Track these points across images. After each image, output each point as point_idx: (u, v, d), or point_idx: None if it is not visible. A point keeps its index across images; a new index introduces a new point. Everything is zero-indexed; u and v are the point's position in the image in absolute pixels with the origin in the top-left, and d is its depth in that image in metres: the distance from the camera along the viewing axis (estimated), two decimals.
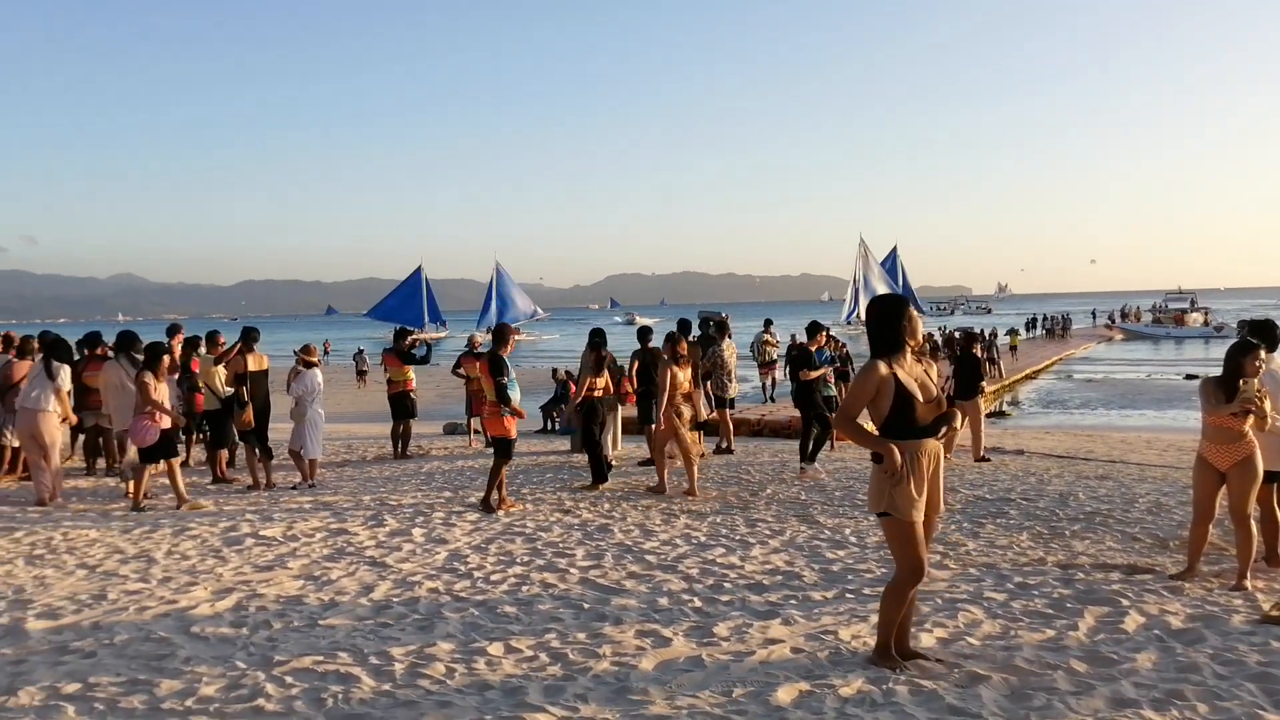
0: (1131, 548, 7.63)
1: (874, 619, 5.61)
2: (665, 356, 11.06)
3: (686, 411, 10.83)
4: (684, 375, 10.89)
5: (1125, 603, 5.95)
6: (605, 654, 5.14)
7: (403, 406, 14.58)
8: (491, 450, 9.80)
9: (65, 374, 10.67)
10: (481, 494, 9.96)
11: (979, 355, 14.38)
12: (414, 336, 15.87)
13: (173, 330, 13.62)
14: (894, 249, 65.79)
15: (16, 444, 11.55)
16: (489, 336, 10.75)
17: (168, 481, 10.14)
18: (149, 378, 9.92)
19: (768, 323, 24.57)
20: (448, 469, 13.06)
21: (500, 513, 9.42)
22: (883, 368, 4.66)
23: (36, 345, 11.97)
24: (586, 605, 6.15)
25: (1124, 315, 78.08)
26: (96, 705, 4.48)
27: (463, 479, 12.09)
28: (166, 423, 9.96)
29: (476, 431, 16.19)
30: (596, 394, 11.42)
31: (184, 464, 13.13)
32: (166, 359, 10.33)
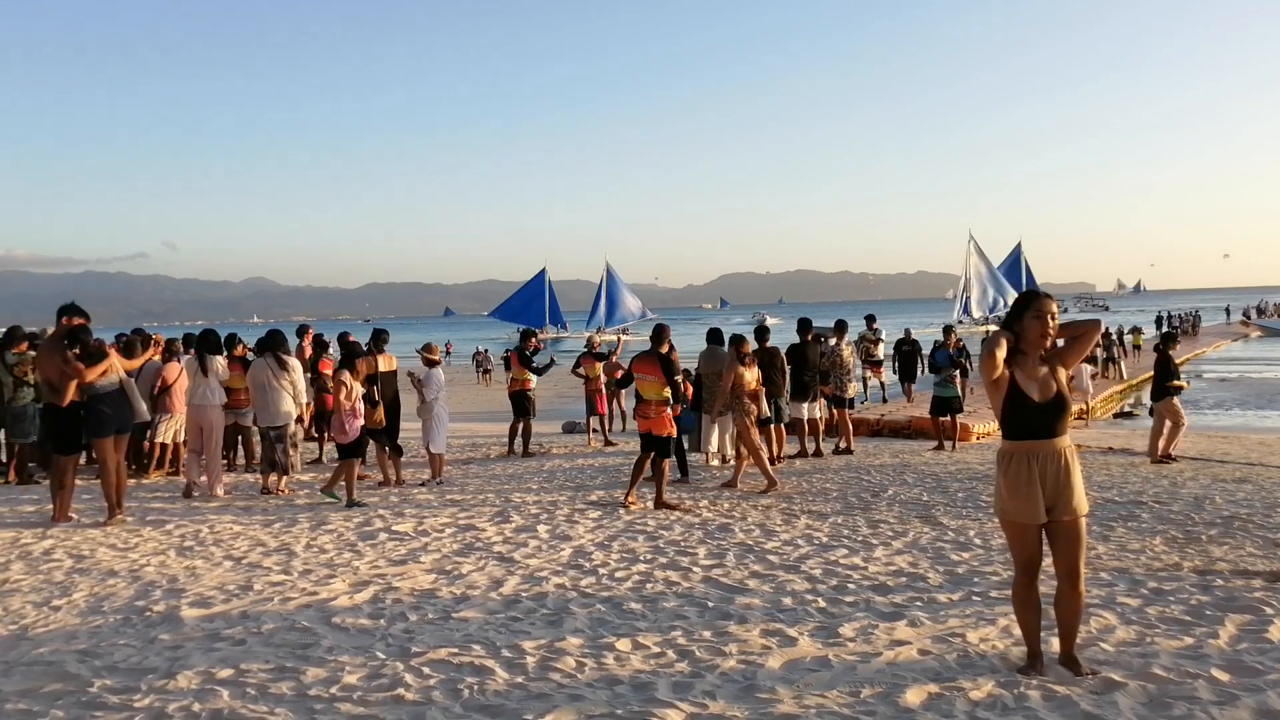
0: (1274, 554, 7.35)
1: (1002, 622, 5.56)
2: (732, 358, 11.48)
3: (753, 409, 11.31)
4: (750, 375, 11.42)
5: (1269, 611, 5.75)
6: (731, 652, 5.19)
7: (521, 405, 14.85)
8: (607, 448, 10.01)
9: (219, 364, 11.24)
10: (622, 494, 10.14)
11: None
12: (536, 339, 16.11)
13: (302, 331, 14.18)
14: (1017, 245, 64.04)
15: (165, 441, 12.18)
16: (606, 336, 10.97)
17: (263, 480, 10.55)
18: (347, 377, 10.42)
19: (870, 319, 24.12)
20: (568, 467, 13.28)
21: (673, 516, 9.53)
22: (998, 364, 4.61)
23: (180, 346, 12.62)
24: (710, 604, 6.21)
25: (1260, 311, 74.46)
26: (248, 690, 4.72)
27: (583, 477, 12.27)
28: (358, 424, 10.54)
29: (595, 430, 16.41)
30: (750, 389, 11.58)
31: (317, 460, 13.69)
32: (361, 362, 10.86)
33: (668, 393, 10.05)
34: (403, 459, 12.09)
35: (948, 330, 15.87)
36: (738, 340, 11.77)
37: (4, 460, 12.10)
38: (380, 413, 11.46)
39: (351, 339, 12.81)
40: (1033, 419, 4.61)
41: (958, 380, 15.53)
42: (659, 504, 9.88)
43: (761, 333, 13.41)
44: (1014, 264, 62.15)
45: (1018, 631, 4.99)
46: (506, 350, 16.52)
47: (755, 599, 6.31)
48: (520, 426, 14.89)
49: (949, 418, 15.39)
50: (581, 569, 7.21)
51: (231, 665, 5.08)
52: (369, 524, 9.02)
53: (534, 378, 15.04)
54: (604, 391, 16.22)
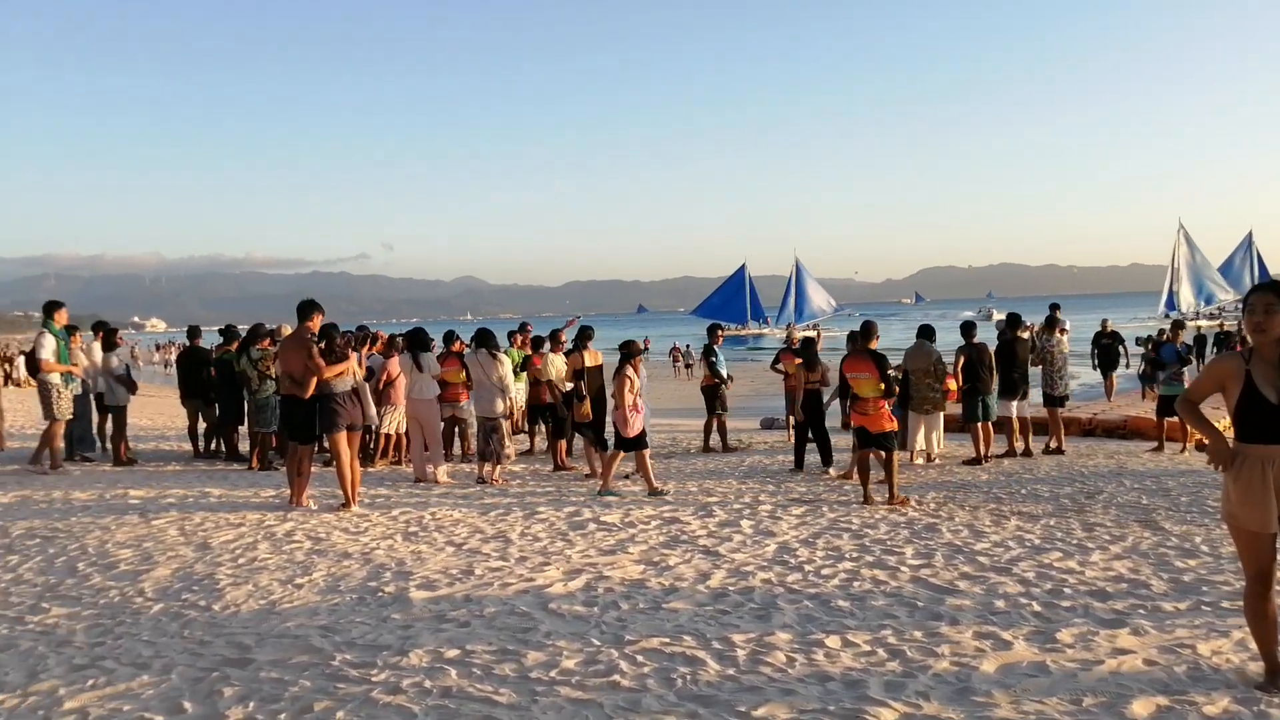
0: None
1: (1236, 635, 5.28)
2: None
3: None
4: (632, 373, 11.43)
5: None
6: (944, 653, 5.13)
7: (712, 401, 14.89)
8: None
9: (431, 360, 11.86)
10: (859, 493, 10.15)
11: None
12: (721, 334, 16.06)
13: (522, 328, 14.80)
14: (1248, 235, 59.77)
15: (389, 431, 12.93)
16: (807, 332, 11.03)
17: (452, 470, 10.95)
18: (630, 372, 10.70)
19: (1054, 308, 22.81)
20: (768, 463, 13.31)
21: (906, 510, 9.53)
22: (1231, 360, 4.40)
23: (400, 342, 13.36)
24: (920, 604, 6.15)
25: None
26: (474, 670, 5.00)
27: (784, 473, 12.28)
28: (640, 419, 10.76)
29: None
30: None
31: (528, 452, 14.20)
32: (639, 359, 11.03)
33: (883, 388, 10.01)
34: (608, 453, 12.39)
35: (1177, 325, 15.01)
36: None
37: (247, 448, 13.14)
38: (587, 407, 11.79)
39: (564, 337, 13.27)
40: (1268, 421, 4.35)
41: (1185, 378, 14.68)
42: (892, 499, 9.86)
43: (968, 328, 13.10)
44: (1244, 255, 58.09)
45: (1255, 646, 4.73)
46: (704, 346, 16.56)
47: (966, 600, 6.20)
48: (714, 423, 14.97)
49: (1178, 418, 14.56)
50: (787, 565, 7.25)
51: (458, 646, 5.38)
52: (578, 514, 9.32)
53: (723, 369, 15.09)
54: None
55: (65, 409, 12.21)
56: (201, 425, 14.25)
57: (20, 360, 45.47)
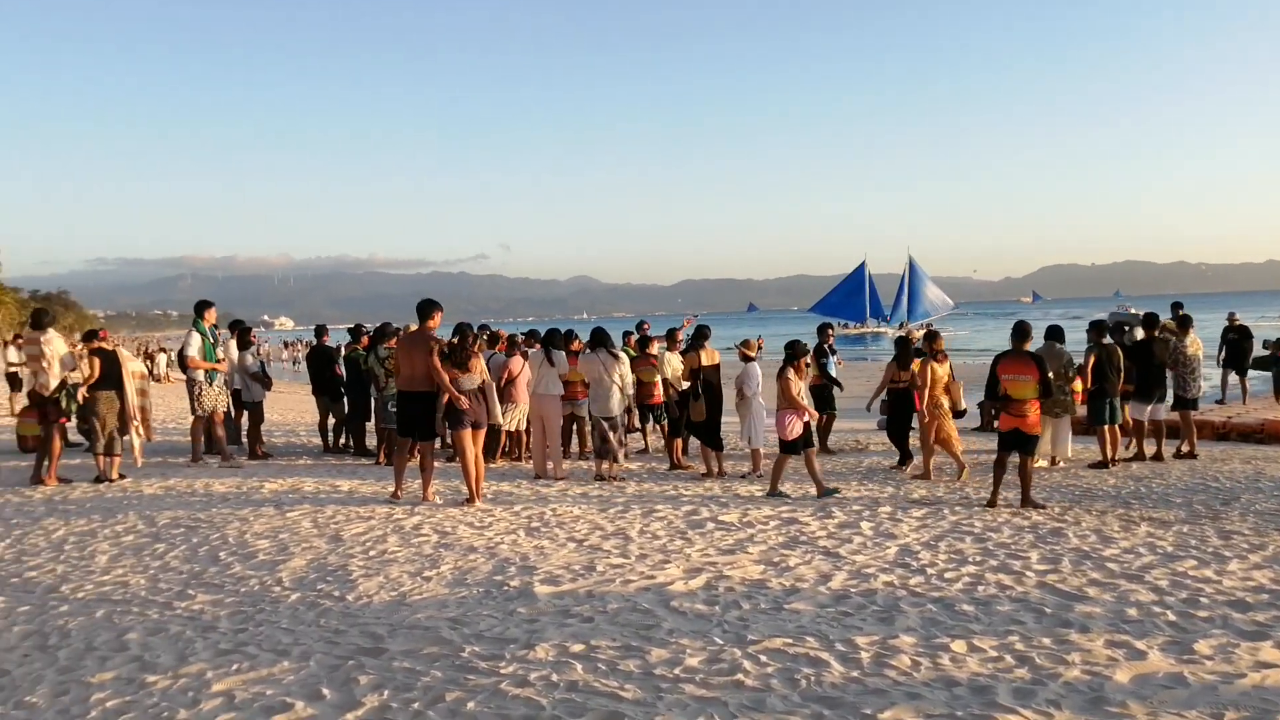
0: None
1: None
2: (926, 353, 12.18)
3: (945, 402, 11.92)
4: (943, 370, 11.99)
5: None
6: (1074, 661, 5.03)
7: (822, 401, 14.72)
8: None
9: (562, 358, 12.05)
10: (988, 493, 10.04)
11: None
12: (831, 333, 15.81)
13: (639, 327, 14.94)
14: None
15: (510, 429, 13.18)
16: (918, 331, 10.91)
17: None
18: (791, 374, 10.56)
19: (1176, 307, 21.79)
20: (886, 464, 13.15)
21: (1031, 514, 9.38)
22: None
23: (521, 341, 13.62)
24: (1048, 610, 6.02)
25: None
26: (599, 665, 5.08)
27: (903, 475, 12.13)
28: (809, 417, 10.62)
29: (914, 429, 16.05)
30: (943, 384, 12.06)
31: (642, 451, 14.31)
32: (803, 361, 10.85)
33: (1041, 390, 9.84)
34: (723, 453, 12.42)
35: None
36: (932, 337, 12.57)
37: (374, 444, 13.54)
38: (702, 406, 11.83)
39: (680, 335, 13.34)
40: None
41: None
42: (1025, 502, 9.70)
43: (1100, 327, 12.77)
44: None
45: None
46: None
47: (1096, 608, 6.05)
48: (823, 420, 14.81)
49: None
50: (909, 568, 7.18)
51: (582, 641, 5.48)
52: (696, 513, 9.37)
53: (833, 370, 14.94)
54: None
55: (209, 404, 12.78)
56: (330, 420, 14.75)
57: (161, 356, 47.63)
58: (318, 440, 15.24)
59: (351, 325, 15.37)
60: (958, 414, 12.20)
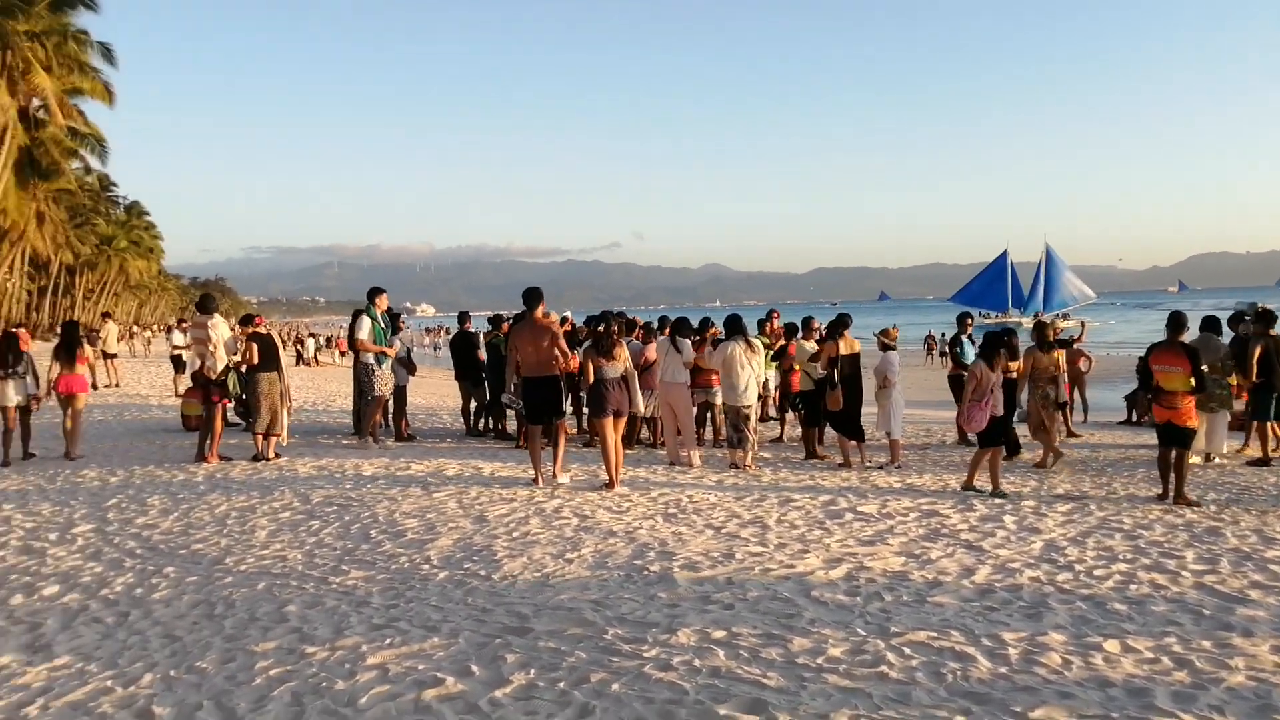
0: None
1: None
2: (1032, 343, 12.31)
3: (1050, 392, 11.94)
4: (1049, 360, 12.02)
5: None
6: (1238, 666, 4.84)
7: (959, 391, 14.38)
8: (1070, 439, 9.59)
9: (688, 346, 12.11)
10: (1093, 487, 9.74)
11: None
12: (970, 323, 15.35)
13: (771, 314, 14.93)
14: None
15: (645, 415, 13.29)
16: (1068, 323, 10.53)
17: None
18: (981, 368, 10.04)
19: None
20: (1030, 457, 12.78)
21: (1184, 511, 9.07)
22: None
23: (655, 328, 13.71)
24: (1206, 612, 5.80)
25: None
26: (741, 652, 5.11)
27: (1044, 468, 11.79)
28: (999, 409, 10.10)
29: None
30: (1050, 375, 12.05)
31: (777, 440, 14.25)
32: (1001, 354, 10.33)
33: (1194, 383, 9.49)
34: (864, 443, 12.27)
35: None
36: (1040, 327, 12.53)
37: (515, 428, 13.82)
38: (839, 395, 11.70)
39: (816, 324, 13.23)
40: None
41: None
42: (1179, 499, 9.39)
43: (1267, 318, 12.16)
44: None
45: None
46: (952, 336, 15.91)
47: (1260, 611, 5.80)
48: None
49: None
50: (1055, 564, 6.99)
51: (724, 627, 5.51)
52: (834, 503, 9.30)
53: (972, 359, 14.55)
54: (1065, 380, 15.33)
55: (381, 387, 13.23)
56: (472, 404, 15.12)
57: (310, 341, 49.58)
58: (461, 423, 15.65)
59: (491, 314, 15.71)
60: (1057, 406, 12.26)
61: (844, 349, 11.96)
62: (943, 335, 43.72)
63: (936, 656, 5.01)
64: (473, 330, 15.38)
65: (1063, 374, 14.63)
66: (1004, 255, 64.27)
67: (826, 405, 12.05)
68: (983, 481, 10.07)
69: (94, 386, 14.34)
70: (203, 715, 4.53)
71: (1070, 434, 15.05)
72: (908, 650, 5.10)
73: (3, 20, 33.74)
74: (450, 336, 14.64)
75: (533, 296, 10.40)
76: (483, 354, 14.70)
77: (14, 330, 15.20)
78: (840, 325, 12.17)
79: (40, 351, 20.03)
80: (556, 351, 10.17)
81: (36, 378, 13.02)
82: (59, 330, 14.82)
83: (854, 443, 12.01)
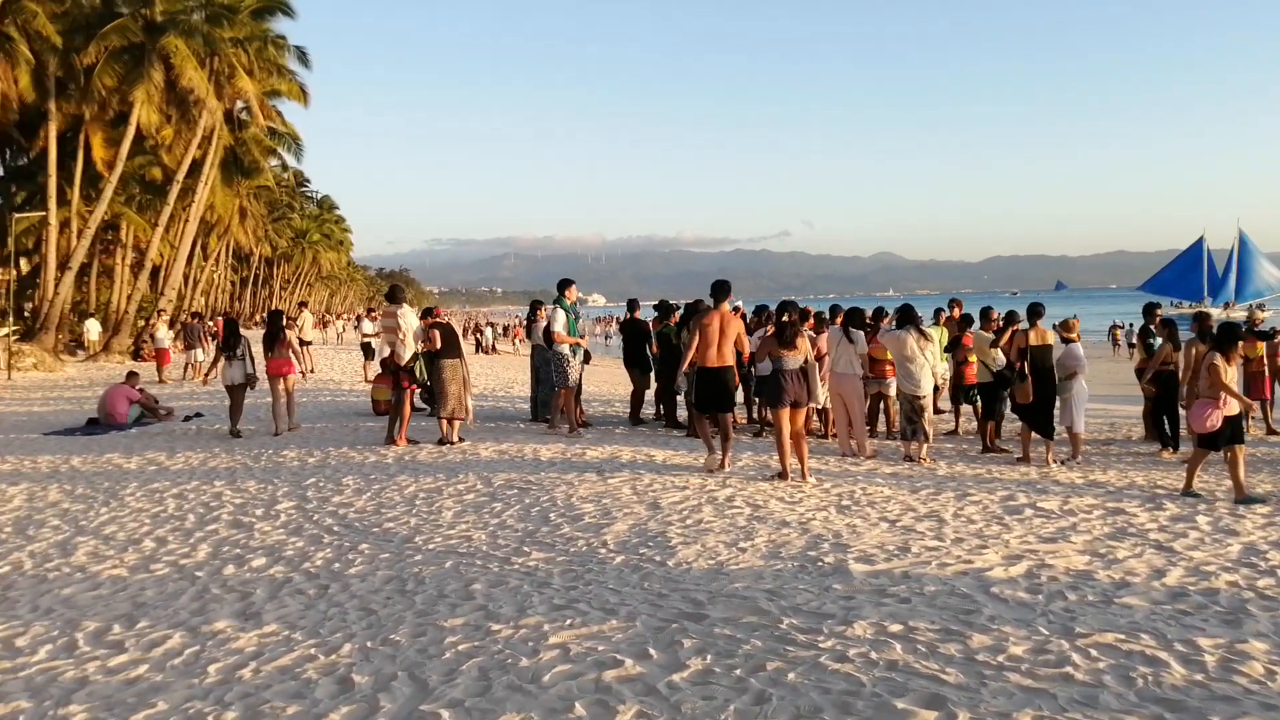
0: None
1: None
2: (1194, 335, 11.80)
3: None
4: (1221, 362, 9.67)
5: None
6: None
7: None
8: (1270, 437, 9.00)
9: (860, 337, 11.99)
10: None
11: None
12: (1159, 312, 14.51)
13: (953, 304, 14.59)
14: None
15: (818, 405, 13.24)
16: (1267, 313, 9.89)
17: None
18: (1218, 360, 9.25)
19: None
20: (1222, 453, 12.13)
21: None
22: None
23: (827, 318, 13.63)
24: None
25: None
26: (919, 647, 5.06)
27: (1249, 465, 11.15)
28: (1233, 408, 9.29)
29: (1256, 417, 14.67)
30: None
31: (951, 432, 13.93)
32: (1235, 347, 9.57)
33: None
34: (1052, 441, 11.84)
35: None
36: (1202, 318, 12.09)
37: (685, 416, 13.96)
38: (1029, 388, 11.30)
39: (995, 315, 12.88)
40: None
41: None
42: None
43: None
44: None
45: None
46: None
47: None
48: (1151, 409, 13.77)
49: None
50: (1256, 568, 6.63)
51: (900, 621, 5.47)
52: (1013, 498, 9.06)
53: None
54: (1267, 374, 14.42)
55: (574, 376, 13.63)
56: (646, 393, 15.34)
57: (488, 330, 51.17)
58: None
59: (658, 302, 15.87)
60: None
61: (1035, 340, 11.53)
62: (1129, 325, 41.71)
63: (1125, 660, 4.85)
64: (642, 319, 15.59)
65: (1264, 368, 13.79)
66: (1200, 242, 60.78)
67: (1015, 398, 11.64)
68: (1204, 484, 9.62)
69: (302, 373, 15.48)
70: (397, 685, 4.80)
71: (1270, 431, 14.18)
72: (1094, 652, 4.95)
73: (212, 29, 36.00)
74: (619, 325, 14.87)
75: (720, 290, 10.72)
76: (655, 343, 14.87)
77: (233, 317, 16.60)
78: (1033, 315, 11.74)
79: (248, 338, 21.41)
80: (736, 345, 10.52)
81: (253, 360, 14.60)
82: (263, 319, 16.28)
83: (1042, 439, 11.53)
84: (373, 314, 32.93)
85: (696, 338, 10.49)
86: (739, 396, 14.95)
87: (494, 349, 47.21)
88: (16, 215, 37.43)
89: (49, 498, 10.16)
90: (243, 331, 15.52)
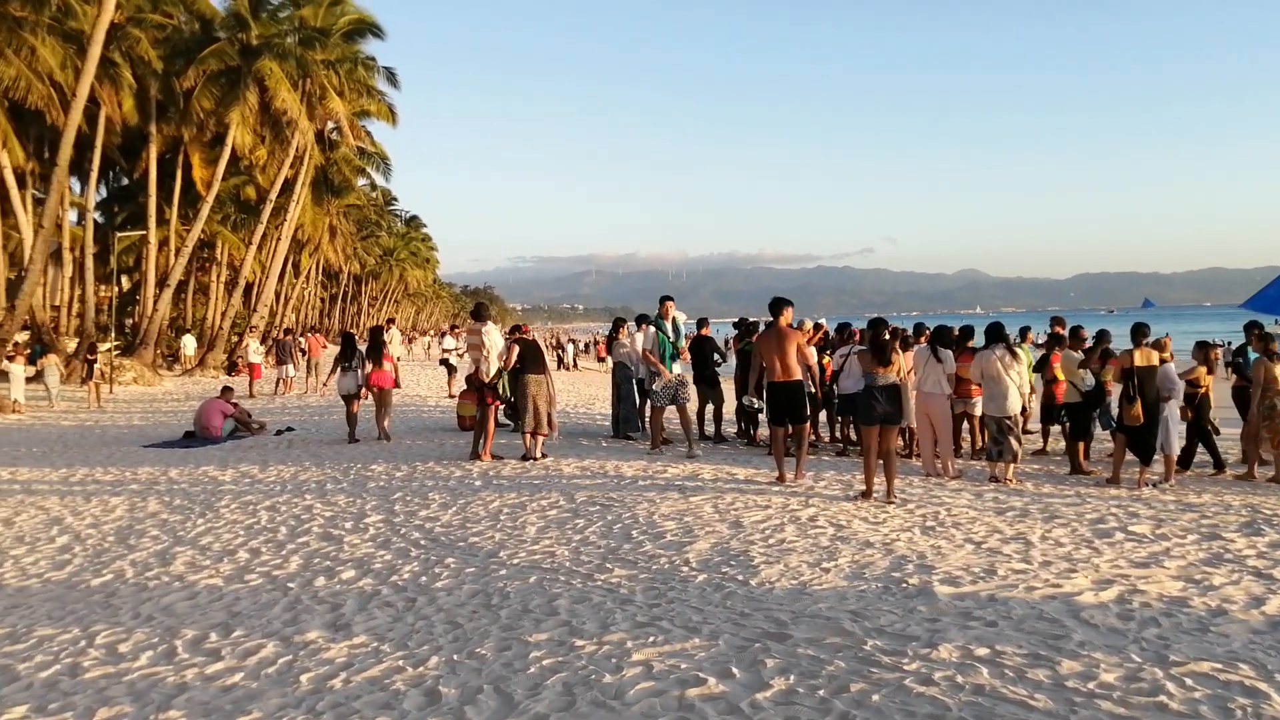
0: None
1: None
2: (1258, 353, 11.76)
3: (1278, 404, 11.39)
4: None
5: None
6: None
7: (1244, 407, 13.21)
8: None
9: (949, 355, 11.84)
10: None
11: None
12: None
13: (1054, 322, 14.39)
14: None
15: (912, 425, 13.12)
16: None
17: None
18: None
19: None
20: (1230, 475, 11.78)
21: None
22: None
23: (910, 335, 13.50)
24: None
25: None
26: (1006, 671, 4.99)
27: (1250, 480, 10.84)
28: None
29: None
30: None
31: (1039, 452, 13.68)
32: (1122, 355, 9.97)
33: None
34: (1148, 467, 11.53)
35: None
36: (1267, 338, 11.93)
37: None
38: (1138, 409, 10.97)
39: (1085, 333, 12.67)
40: None
41: None
42: None
43: None
44: None
45: None
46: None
47: None
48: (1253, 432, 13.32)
49: None
50: None
51: (986, 645, 5.40)
52: (1103, 521, 8.87)
53: None
54: None
55: (676, 395, 13.71)
56: (709, 409, 15.32)
57: (569, 346, 51.62)
58: (710, 428, 15.88)
59: (737, 319, 15.87)
60: None
61: (1139, 360, 11.19)
62: (1227, 344, 40.47)
63: (1223, 690, 4.73)
64: (709, 335, 15.63)
65: None
66: None
67: (1123, 419, 11.30)
68: None
69: (397, 384, 16.73)
70: (483, 699, 4.88)
71: None
72: (1189, 681, 4.83)
73: (304, 52, 37.05)
74: (688, 342, 14.87)
75: (777, 305, 11.01)
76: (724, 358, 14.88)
77: (350, 332, 17.69)
78: (1137, 335, 11.39)
79: (331, 354, 21.97)
80: (800, 357, 10.75)
81: (365, 373, 15.78)
82: (365, 335, 17.29)
83: (1140, 463, 11.19)
84: (454, 330, 33.48)
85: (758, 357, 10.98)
86: (821, 416, 14.87)
87: (575, 365, 47.59)
88: (119, 234, 38.89)
89: (148, 508, 10.52)
90: (324, 349, 16.36)
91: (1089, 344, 12.46)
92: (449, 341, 28.52)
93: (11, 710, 5.05)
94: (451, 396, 24.08)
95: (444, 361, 26.73)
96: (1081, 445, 12.28)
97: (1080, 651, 5.29)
